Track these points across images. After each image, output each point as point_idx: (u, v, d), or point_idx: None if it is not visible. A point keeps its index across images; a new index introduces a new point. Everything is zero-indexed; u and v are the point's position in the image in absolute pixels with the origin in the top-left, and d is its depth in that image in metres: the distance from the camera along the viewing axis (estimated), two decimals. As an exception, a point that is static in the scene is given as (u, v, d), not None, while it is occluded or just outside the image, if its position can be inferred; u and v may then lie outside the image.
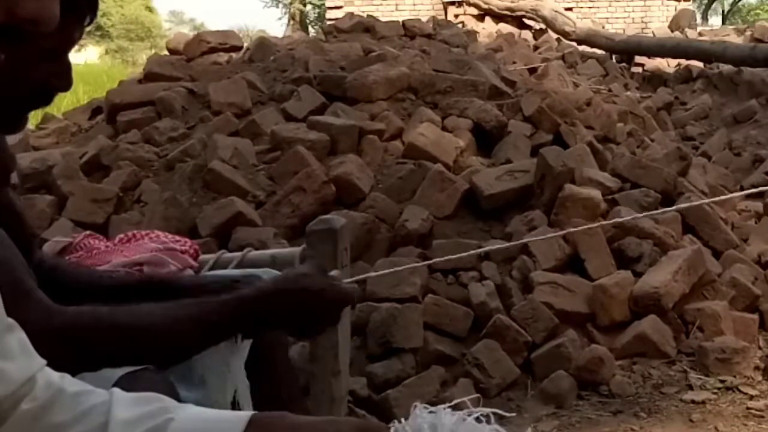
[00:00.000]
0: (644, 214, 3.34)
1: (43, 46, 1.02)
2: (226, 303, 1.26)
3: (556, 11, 9.97)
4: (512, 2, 10.48)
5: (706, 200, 3.71)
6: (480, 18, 10.72)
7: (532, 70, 6.75)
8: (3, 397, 0.85)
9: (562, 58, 7.65)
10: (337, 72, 5.35)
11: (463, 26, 9.32)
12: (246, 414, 0.88)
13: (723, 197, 3.98)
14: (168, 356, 1.23)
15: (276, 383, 1.61)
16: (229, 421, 0.87)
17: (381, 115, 4.78)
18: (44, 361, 0.92)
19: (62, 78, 1.07)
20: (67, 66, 1.08)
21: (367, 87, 4.95)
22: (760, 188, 3.53)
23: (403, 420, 0.90)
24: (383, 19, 7.88)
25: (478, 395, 0.92)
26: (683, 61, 8.26)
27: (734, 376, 3.08)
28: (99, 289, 1.45)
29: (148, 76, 5.81)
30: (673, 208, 3.69)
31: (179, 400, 1.16)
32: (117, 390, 0.92)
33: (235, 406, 1.45)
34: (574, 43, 8.87)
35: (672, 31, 9.93)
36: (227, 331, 1.26)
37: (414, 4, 11.76)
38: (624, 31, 10.35)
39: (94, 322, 1.18)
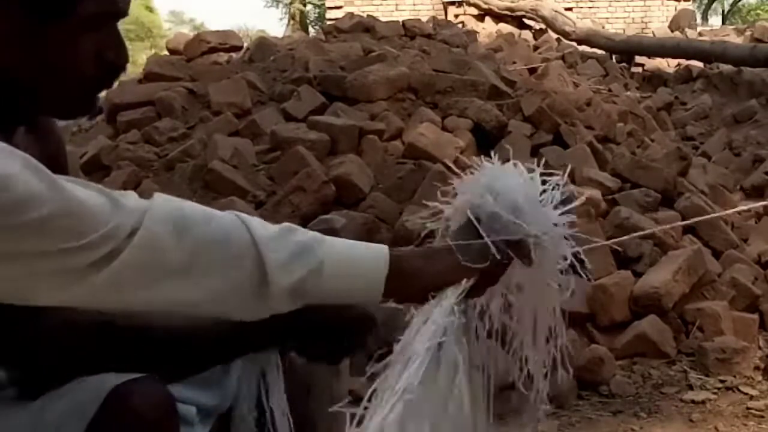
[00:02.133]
0: (661, 227, 3.34)
1: (81, 15, 0.97)
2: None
3: (556, 11, 9.97)
4: (512, 2, 10.47)
5: (718, 213, 3.70)
6: (480, 18, 10.71)
7: (532, 70, 6.75)
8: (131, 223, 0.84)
9: (562, 58, 7.64)
10: (337, 72, 5.35)
11: (463, 26, 9.32)
12: (383, 254, 0.95)
13: (731, 210, 3.97)
14: (177, 367, 1.21)
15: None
16: (372, 259, 0.94)
17: (381, 115, 4.78)
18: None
19: (115, 48, 1.03)
20: (119, 37, 1.04)
21: (367, 87, 4.95)
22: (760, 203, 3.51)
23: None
24: (383, 19, 7.88)
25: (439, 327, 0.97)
26: (683, 61, 8.26)
27: (734, 376, 3.08)
28: None
29: (148, 76, 5.81)
30: (686, 222, 3.69)
31: (176, 411, 1.15)
32: (249, 221, 0.92)
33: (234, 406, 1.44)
34: (574, 43, 8.86)
35: (672, 31, 9.93)
36: (241, 346, 1.24)
37: (414, 4, 11.75)
38: (624, 31, 10.35)
39: (103, 323, 1.17)
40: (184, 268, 0.87)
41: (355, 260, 0.95)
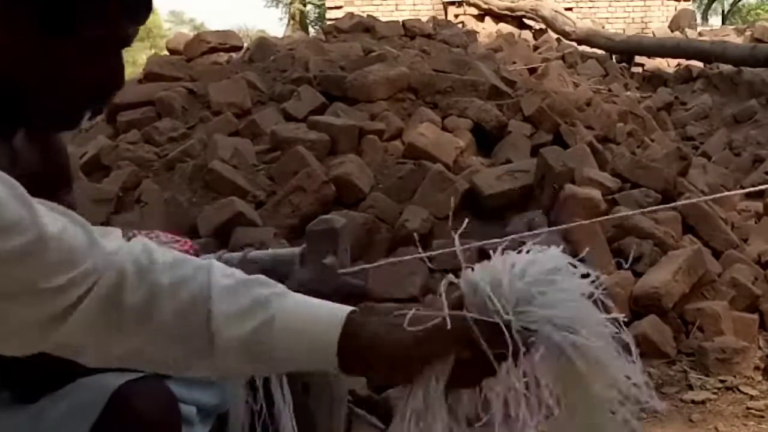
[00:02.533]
0: (642, 210, 3.34)
1: (85, 38, 1.00)
2: None
3: (556, 11, 9.96)
4: (512, 2, 10.47)
5: (704, 198, 3.71)
6: (480, 18, 10.71)
7: (532, 70, 6.75)
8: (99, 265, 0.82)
9: (562, 58, 7.64)
10: (337, 72, 5.35)
11: (463, 26, 9.32)
12: (341, 314, 0.85)
13: (720, 195, 3.97)
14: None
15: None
16: (325, 323, 0.84)
17: (381, 115, 4.78)
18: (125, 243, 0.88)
19: (115, 75, 1.06)
20: (120, 63, 1.06)
21: (367, 87, 4.95)
22: (759, 187, 3.52)
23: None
24: (383, 19, 7.88)
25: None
26: (683, 61, 8.25)
27: (734, 376, 3.08)
28: None
29: (148, 76, 5.82)
30: (671, 205, 3.69)
31: (179, 411, 1.15)
32: (215, 268, 0.87)
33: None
34: (574, 43, 8.86)
35: (672, 31, 9.92)
36: None
37: (414, 4, 11.75)
38: (624, 31, 10.34)
39: None
40: (137, 315, 0.85)
41: (309, 316, 0.86)
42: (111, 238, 0.88)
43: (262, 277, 0.89)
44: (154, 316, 0.85)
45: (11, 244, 0.74)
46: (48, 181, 1.11)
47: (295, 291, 0.98)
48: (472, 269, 0.87)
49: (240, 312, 0.85)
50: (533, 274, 0.83)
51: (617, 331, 0.88)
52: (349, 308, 0.86)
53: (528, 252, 0.87)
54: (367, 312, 0.86)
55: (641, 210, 3.43)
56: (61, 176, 1.22)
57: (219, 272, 0.87)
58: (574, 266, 0.86)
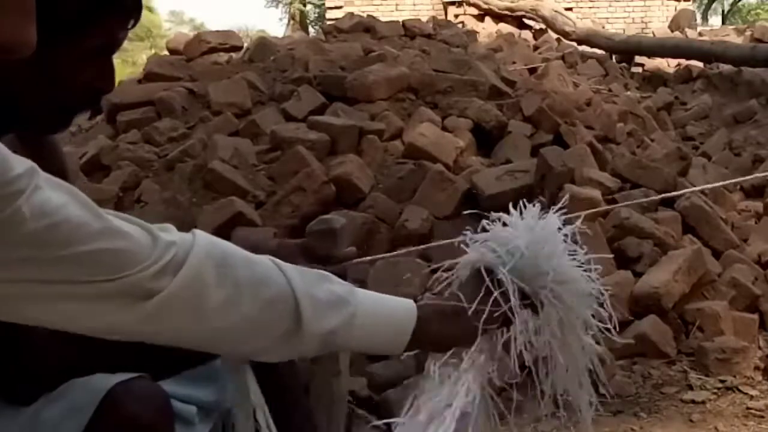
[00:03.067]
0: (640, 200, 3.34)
1: (85, 46, 1.02)
2: None
3: (556, 11, 9.96)
4: (512, 2, 10.47)
5: (698, 188, 3.70)
6: (480, 18, 10.71)
7: (532, 70, 6.75)
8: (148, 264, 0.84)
9: (562, 58, 7.64)
10: (337, 72, 5.35)
11: (463, 26, 9.31)
12: (412, 313, 0.98)
13: (713, 185, 3.97)
14: (165, 365, 1.21)
15: (282, 384, 1.59)
16: (401, 319, 0.97)
17: (381, 115, 4.78)
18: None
19: (105, 79, 1.07)
20: (111, 67, 1.08)
21: (367, 87, 4.95)
22: (746, 178, 3.51)
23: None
24: (383, 19, 7.88)
25: (474, 395, 0.98)
26: (683, 61, 8.25)
27: (734, 376, 3.08)
28: None
29: (148, 76, 5.81)
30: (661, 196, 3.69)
31: (172, 412, 1.15)
32: (285, 267, 0.94)
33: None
34: (574, 43, 8.85)
35: (672, 31, 9.92)
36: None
37: (414, 4, 11.75)
38: (624, 31, 10.34)
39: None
40: (222, 307, 0.88)
41: (385, 317, 0.97)
42: (173, 233, 0.90)
43: (323, 272, 0.97)
44: (237, 311, 0.89)
45: (78, 249, 0.78)
46: None
47: None
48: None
49: (323, 306, 0.93)
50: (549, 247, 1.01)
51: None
52: (413, 305, 0.98)
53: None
54: (428, 307, 0.99)
55: (640, 200, 3.43)
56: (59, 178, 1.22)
57: (290, 267, 0.94)
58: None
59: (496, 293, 0.98)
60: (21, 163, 0.77)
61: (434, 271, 1.06)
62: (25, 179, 0.76)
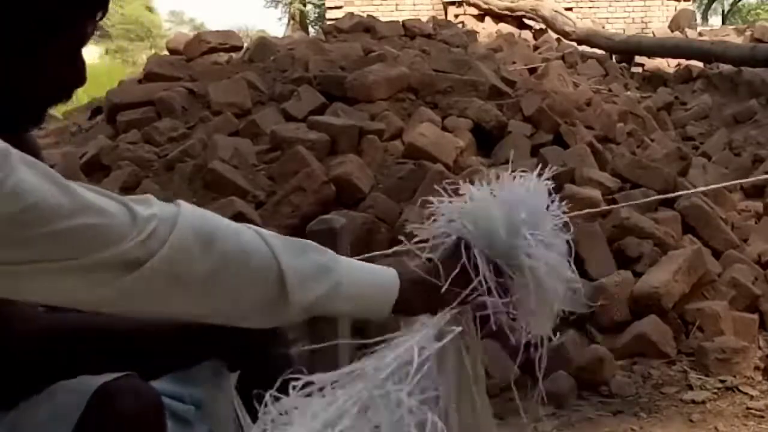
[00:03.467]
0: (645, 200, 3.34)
1: (59, 47, 1.03)
2: None
3: (556, 11, 9.96)
4: (512, 2, 10.47)
5: (700, 189, 3.71)
6: (480, 18, 10.70)
7: (532, 70, 6.75)
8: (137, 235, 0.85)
9: (562, 58, 7.64)
10: (337, 72, 5.35)
11: (463, 26, 9.31)
12: (394, 280, 1.00)
13: (716, 186, 3.97)
14: (153, 365, 1.20)
15: (277, 377, 1.58)
16: (384, 286, 1.00)
17: (381, 115, 4.78)
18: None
19: (77, 73, 1.09)
20: (81, 62, 1.09)
21: (367, 87, 4.95)
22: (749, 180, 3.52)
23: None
24: (383, 19, 7.88)
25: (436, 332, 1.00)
26: (683, 61, 8.25)
27: (734, 376, 3.08)
28: None
29: (148, 76, 5.82)
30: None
31: (162, 407, 1.14)
32: (264, 232, 0.95)
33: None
34: (574, 43, 8.85)
35: (672, 31, 9.92)
36: (215, 343, 1.24)
37: (414, 4, 11.74)
38: (624, 31, 10.34)
39: (78, 327, 1.15)
40: (207, 279, 0.89)
41: (370, 287, 0.99)
42: (155, 204, 0.91)
43: (307, 240, 0.99)
44: (222, 282, 0.90)
45: (51, 227, 0.79)
46: None
47: None
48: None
49: (308, 276, 0.94)
50: (524, 212, 1.01)
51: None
52: (396, 275, 1.00)
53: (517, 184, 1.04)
54: (408, 277, 1.01)
55: (642, 200, 3.43)
56: None
57: (273, 236, 0.95)
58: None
59: (471, 271, 1.00)
60: None
61: (409, 238, 1.08)
62: None
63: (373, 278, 1.00)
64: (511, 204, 1.02)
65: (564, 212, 1.06)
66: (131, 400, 1.07)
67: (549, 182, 1.07)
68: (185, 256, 0.87)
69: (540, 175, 1.07)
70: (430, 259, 1.03)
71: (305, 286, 0.93)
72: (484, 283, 0.99)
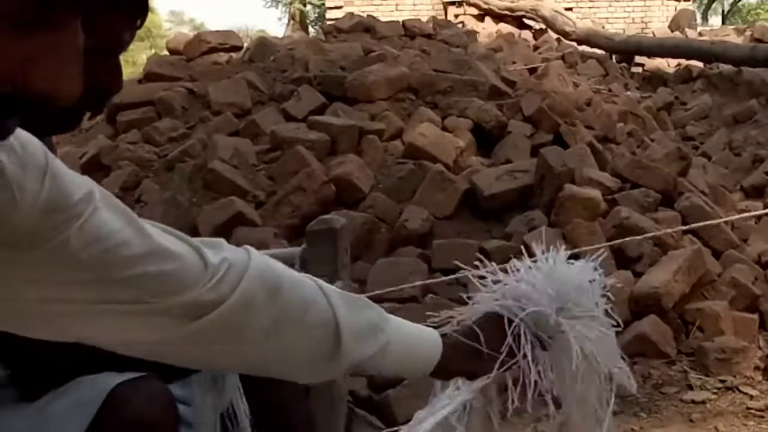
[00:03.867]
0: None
1: (90, 45, 1.03)
2: None
3: (556, 11, 9.95)
4: (512, 2, 10.46)
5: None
6: (480, 18, 10.70)
7: (532, 70, 6.75)
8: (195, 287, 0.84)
9: (562, 58, 7.64)
10: (337, 72, 5.35)
11: (463, 26, 9.31)
12: (438, 343, 1.00)
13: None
14: (171, 366, 1.21)
15: (277, 383, 1.59)
16: (428, 349, 1.00)
17: (381, 115, 4.78)
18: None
19: (113, 79, 1.08)
20: (117, 67, 1.08)
21: (367, 87, 4.95)
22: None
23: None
24: (383, 19, 7.87)
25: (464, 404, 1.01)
26: (683, 61, 8.25)
27: (734, 376, 3.08)
28: None
29: (148, 76, 5.82)
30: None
31: (176, 412, 1.15)
32: (326, 287, 0.95)
33: (231, 409, 1.44)
34: (574, 43, 8.84)
35: (672, 31, 9.92)
36: None
37: (414, 4, 11.74)
38: (624, 31, 10.33)
39: None
40: (270, 328, 0.89)
41: (415, 348, 1.00)
42: (226, 249, 0.90)
43: (362, 297, 1.00)
44: (281, 336, 0.90)
45: (129, 272, 0.80)
46: None
47: None
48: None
49: (362, 334, 0.94)
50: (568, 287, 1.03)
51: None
52: (439, 338, 1.00)
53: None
54: (450, 342, 1.01)
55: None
56: None
57: (332, 290, 0.95)
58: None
59: (510, 341, 1.01)
60: (81, 187, 0.78)
61: (433, 271, 1.09)
62: (84, 204, 0.78)
63: (419, 340, 1.01)
64: (561, 282, 1.03)
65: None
66: (146, 402, 1.09)
67: (596, 265, 1.09)
68: (252, 307, 0.87)
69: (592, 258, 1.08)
70: (469, 325, 1.03)
71: (358, 343, 0.94)
72: (525, 352, 1.00)
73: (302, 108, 4.88)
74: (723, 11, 29.45)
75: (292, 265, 1.88)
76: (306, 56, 5.71)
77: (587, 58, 8.15)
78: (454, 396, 0.99)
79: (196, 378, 1.28)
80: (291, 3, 26.22)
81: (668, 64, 8.56)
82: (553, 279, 1.03)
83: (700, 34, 9.97)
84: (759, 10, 28.35)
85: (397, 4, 11.86)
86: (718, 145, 5.94)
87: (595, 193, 3.79)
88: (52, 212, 0.75)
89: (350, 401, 2.63)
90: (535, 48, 8.48)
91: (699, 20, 17.35)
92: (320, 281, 0.96)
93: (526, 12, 10.30)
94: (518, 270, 1.05)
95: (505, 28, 9.99)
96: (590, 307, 1.04)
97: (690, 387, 3.04)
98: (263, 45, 6.22)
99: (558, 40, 9.09)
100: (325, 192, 3.90)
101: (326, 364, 0.93)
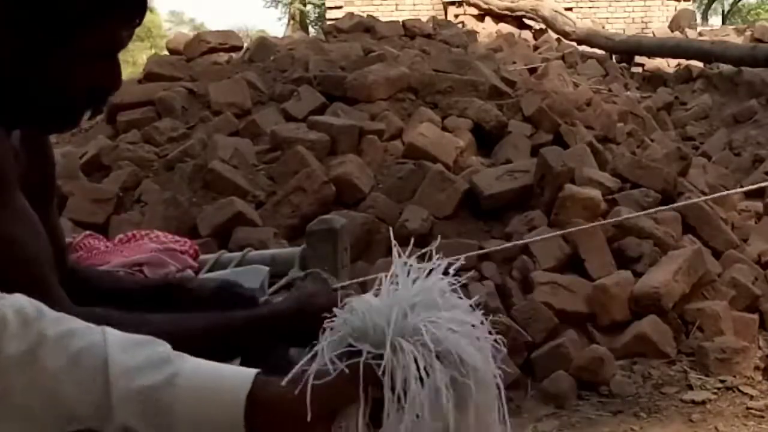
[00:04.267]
0: (645, 212, 3.34)
1: (86, 46, 1.03)
2: (238, 319, 1.24)
3: (556, 11, 9.96)
4: (512, 2, 10.46)
5: (703, 198, 3.71)
6: (480, 18, 10.70)
7: (532, 70, 6.75)
8: None
9: (562, 58, 7.64)
10: (337, 72, 5.35)
11: (463, 26, 9.32)
12: (248, 378, 0.84)
13: (721, 194, 3.97)
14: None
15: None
16: (231, 386, 0.84)
17: (381, 115, 4.78)
18: (11, 296, 0.86)
19: (112, 78, 1.09)
20: (117, 66, 1.09)
21: (367, 87, 4.95)
22: (759, 185, 3.52)
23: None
24: (383, 19, 7.88)
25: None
26: (683, 61, 8.25)
27: (734, 376, 3.08)
28: (121, 292, 1.44)
29: (148, 76, 5.82)
30: (670, 207, 3.69)
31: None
32: (108, 329, 0.87)
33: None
34: (574, 43, 8.85)
35: (672, 31, 9.92)
36: (236, 349, 1.24)
37: (414, 4, 11.74)
38: (624, 31, 10.34)
39: (103, 324, 1.17)
40: (19, 362, 0.82)
41: (213, 375, 0.85)
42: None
43: (155, 338, 0.88)
44: (39, 363, 0.82)
45: None
46: (36, 188, 1.14)
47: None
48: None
49: (140, 365, 0.83)
50: (420, 307, 0.89)
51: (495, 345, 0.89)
52: (252, 373, 0.84)
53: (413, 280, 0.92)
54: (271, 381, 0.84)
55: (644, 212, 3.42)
56: (48, 186, 1.26)
57: (112, 330, 0.86)
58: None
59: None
60: None
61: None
62: None
63: (221, 372, 0.86)
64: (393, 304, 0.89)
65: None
66: None
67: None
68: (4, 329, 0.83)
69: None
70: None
71: (132, 373, 0.82)
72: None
73: (302, 108, 4.88)
74: (723, 11, 29.45)
75: (292, 266, 1.88)
76: (306, 56, 5.71)
77: (587, 58, 8.15)
78: None
79: None
80: (291, 3, 26.23)
81: (668, 64, 8.56)
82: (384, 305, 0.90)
83: (700, 34, 9.97)
84: (759, 10, 28.36)
85: (397, 4, 11.86)
86: (718, 145, 5.94)
87: (595, 193, 3.79)
88: None
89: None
90: (535, 48, 8.48)
91: (699, 20, 17.35)
92: (109, 329, 0.87)
93: (526, 12, 10.30)
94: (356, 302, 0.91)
95: (505, 28, 10.00)
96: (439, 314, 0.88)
97: (690, 387, 3.04)
98: (263, 45, 6.22)
99: (558, 40, 9.09)
100: (325, 192, 3.90)
101: (94, 398, 0.82)
